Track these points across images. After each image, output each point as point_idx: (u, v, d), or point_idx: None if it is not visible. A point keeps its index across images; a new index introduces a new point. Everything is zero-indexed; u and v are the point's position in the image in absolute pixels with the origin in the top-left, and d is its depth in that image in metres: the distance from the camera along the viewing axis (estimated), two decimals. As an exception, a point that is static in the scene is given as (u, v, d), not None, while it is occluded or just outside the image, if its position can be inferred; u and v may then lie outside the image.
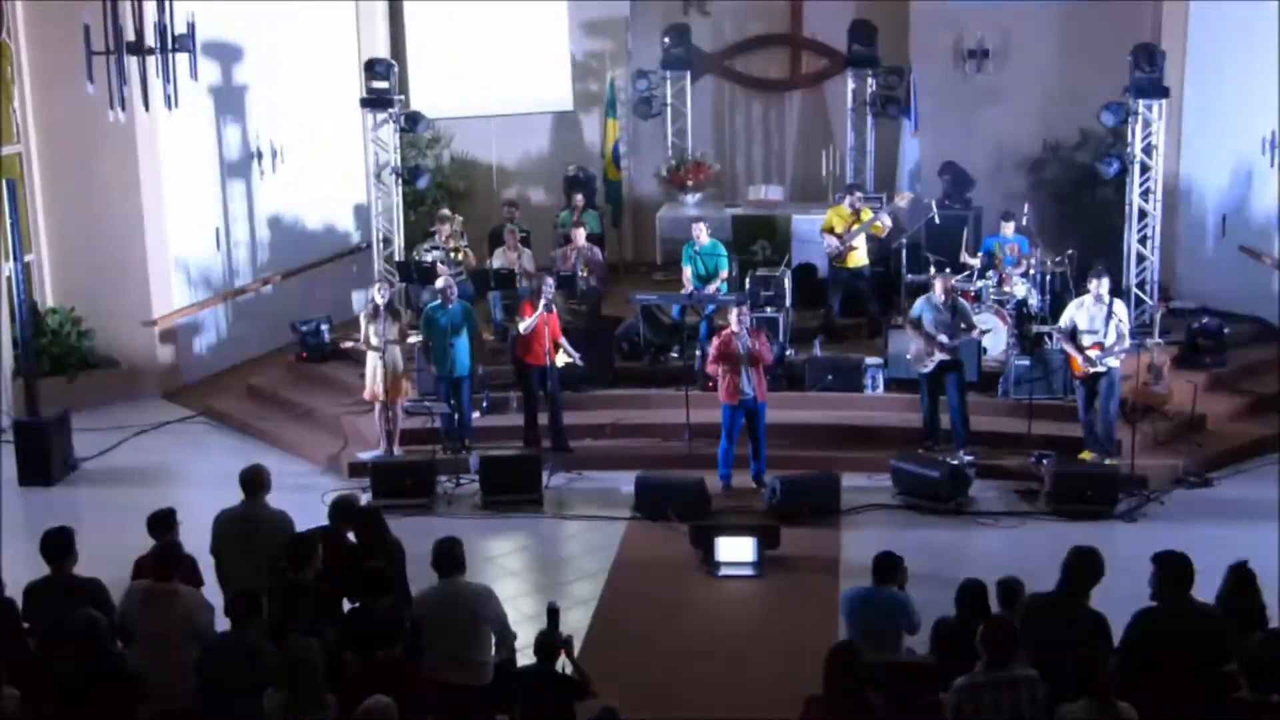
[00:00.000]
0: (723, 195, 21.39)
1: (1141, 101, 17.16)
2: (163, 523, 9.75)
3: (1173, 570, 8.38)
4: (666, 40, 21.20)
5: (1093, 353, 14.65)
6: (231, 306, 19.32)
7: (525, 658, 9.33)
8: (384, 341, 15.28)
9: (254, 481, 10.33)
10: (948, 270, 16.10)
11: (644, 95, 21.27)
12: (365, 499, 12.79)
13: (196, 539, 10.07)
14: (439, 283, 15.92)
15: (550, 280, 15.81)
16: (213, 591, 9.71)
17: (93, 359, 18.04)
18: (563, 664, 8.84)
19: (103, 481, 15.56)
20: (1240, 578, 9.14)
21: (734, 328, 14.44)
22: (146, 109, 15.10)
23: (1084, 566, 8.63)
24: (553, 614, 9.30)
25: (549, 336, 15.31)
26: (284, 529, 10.08)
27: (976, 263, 17.17)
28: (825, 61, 21.60)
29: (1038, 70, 20.53)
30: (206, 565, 10.04)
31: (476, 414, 16.05)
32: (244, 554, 10.04)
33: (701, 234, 17.26)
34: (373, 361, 15.44)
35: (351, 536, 10.28)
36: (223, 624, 8.67)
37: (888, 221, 17.75)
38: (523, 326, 15.43)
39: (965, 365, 15.36)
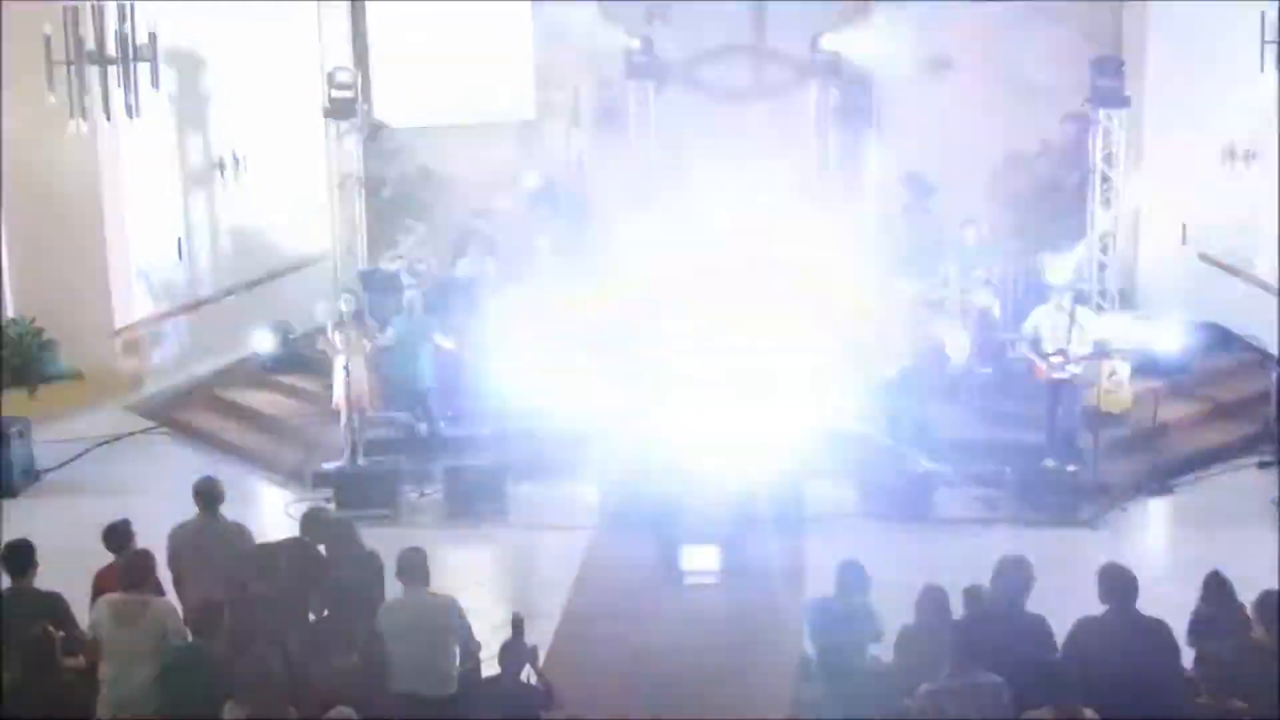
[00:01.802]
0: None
1: (1102, 111, 17.27)
2: (118, 534, 9.67)
3: (1116, 581, 8.44)
4: (630, 50, 21.18)
5: (1056, 360, 14.72)
6: (194, 316, 19.19)
7: (490, 668, 9.31)
8: (350, 351, 15.24)
9: (208, 494, 10.27)
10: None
11: (608, 105, 21.24)
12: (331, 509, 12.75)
13: (158, 551, 9.99)
14: (406, 295, 15.90)
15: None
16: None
17: (54, 370, 17.90)
18: (528, 674, 8.83)
19: (64, 493, 15.46)
20: (1213, 585, 9.18)
21: None
22: (108, 118, 15.03)
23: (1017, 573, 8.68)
24: (517, 624, 9.29)
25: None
26: (241, 541, 10.02)
27: (944, 272, 17.23)
28: (789, 71, 21.63)
29: (1000, 80, 20.60)
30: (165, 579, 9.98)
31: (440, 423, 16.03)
32: (200, 567, 9.97)
33: (662, 243, 17.26)
34: (339, 370, 15.40)
35: (322, 549, 10.24)
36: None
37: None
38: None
39: (929, 373, 15.44)
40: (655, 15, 21.77)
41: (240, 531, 10.16)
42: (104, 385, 18.10)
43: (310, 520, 10.44)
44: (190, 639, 8.69)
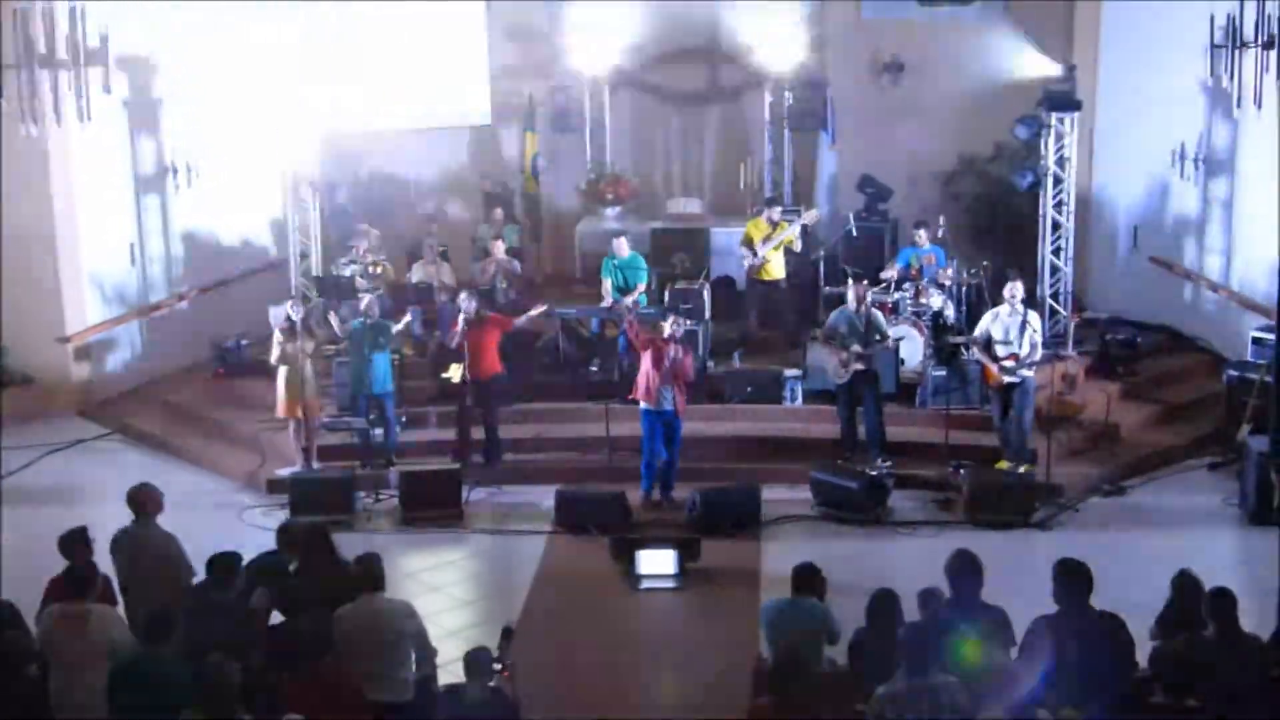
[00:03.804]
0: (642, 208, 21.41)
1: (1054, 115, 17.40)
2: (74, 542, 9.62)
3: (1072, 577, 8.51)
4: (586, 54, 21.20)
5: (1008, 363, 14.81)
6: (147, 323, 19.07)
7: (446, 674, 9.30)
8: (299, 356, 15.19)
9: (141, 501, 10.23)
10: (864, 279, 16.21)
11: (562, 109, 21.25)
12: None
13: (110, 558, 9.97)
14: (363, 300, 15.87)
15: (464, 295, 15.78)
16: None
17: (5, 376, 17.78)
18: (498, 682, 8.80)
19: (16, 500, 15.30)
20: (1181, 585, 9.25)
21: (668, 332, 14.49)
22: (59, 123, 14.94)
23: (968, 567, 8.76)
24: (507, 634, 9.23)
25: (483, 350, 15.30)
26: (167, 550, 9.97)
27: (894, 274, 17.32)
28: (743, 75, 21.69)
29: (953, 84, 20.76)
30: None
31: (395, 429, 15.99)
32: (132, 574, 9.95)
33: (621, 247, 17.30)
34: (283, 377, 15.33)
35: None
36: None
37: (797, 234, 17.80)
38: (450, 343, 15.44)
39: (882, 376, 15.52)
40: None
41: (167, 540, 10.10)
42: (56, 391, 18.00)
43: (285, 533, 10.41)
44: (140, 645, 8.65)
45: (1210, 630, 8.37)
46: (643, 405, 14.59)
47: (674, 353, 14.40)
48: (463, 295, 15.76)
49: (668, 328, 14.54)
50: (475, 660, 8.65)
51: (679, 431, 14.71)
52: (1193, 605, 8.94)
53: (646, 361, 14.49)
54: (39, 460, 16.45)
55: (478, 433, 15.68)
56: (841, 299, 15.90)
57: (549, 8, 21.43)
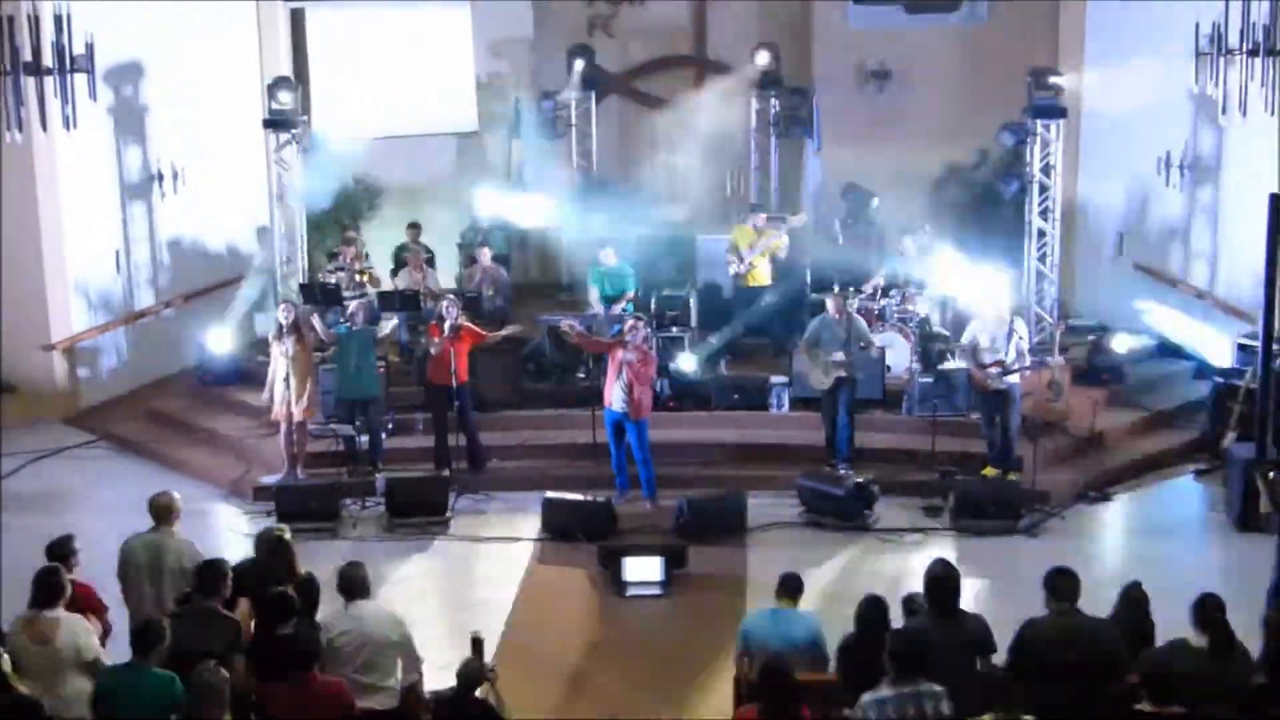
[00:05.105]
0: (628, 216, 21.38)
1: (1039, 122, 17.43)
2: (61, 549, 9.59)
3: (1060, 582, 8.57)
4: (572, 61, 21.21)
5: (993, 369, 14.84)
6: (132, 329, 19.04)
7: (434, 681, 9.28)
8: (288, 362, 15.17)
9: (163, 509, 10.20)
10: (837, 289, 16.25)
11: (549, 116, 21.24)
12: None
13: (99, 565, 9.95)
14: (350, 307, 15.87)
15: (446, 301, 15.77)
16: (119, 617, 9.62)
17: (-10, 384, 17.76)
18: (485, 692, 8.79)
19: (1, 508, 15.28)
20: (1130, 597, 9.27)
21: (626, 336, 14.54)
22: (44, 130, 14.91)
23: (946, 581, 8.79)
24: (477, 644, 9.23)
25: (455, 358, 15.28)
26: (189, 558, 9.96)
27: (880, 281, 17.34)
28: (729, 82, 21.70)
29: (938, 91, 20.79)
30: (113, 591, 9.90)
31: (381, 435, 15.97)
32: (151, 581, 9.92)
33: (609, 255, 17.32)
34: (278, 383, 15.30)
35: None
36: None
37: (785, 241, 17.83)
38: (432, 349, 15.42)
39: (868, 383, 15.55)
40: (597, 27, 21.84)
41: (189, 548, 10.07)
42: (41, 398, 17.96)
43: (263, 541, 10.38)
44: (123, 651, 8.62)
45: (1197, 637, 8.38)
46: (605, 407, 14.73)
47: (622, 355, 14.46)
48: (445, 301, 15.75)
49: (625, 329, 14.61)
50: (467, 669, 8.64)
51: (635, 434, 14.71)
52: (1141, 618, 9.02)
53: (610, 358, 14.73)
54: (24, 468, 16.40)
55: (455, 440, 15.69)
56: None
57: (535, 14, 21.44)
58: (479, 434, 15.77)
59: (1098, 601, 8.81)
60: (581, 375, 17.00)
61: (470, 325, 15.67)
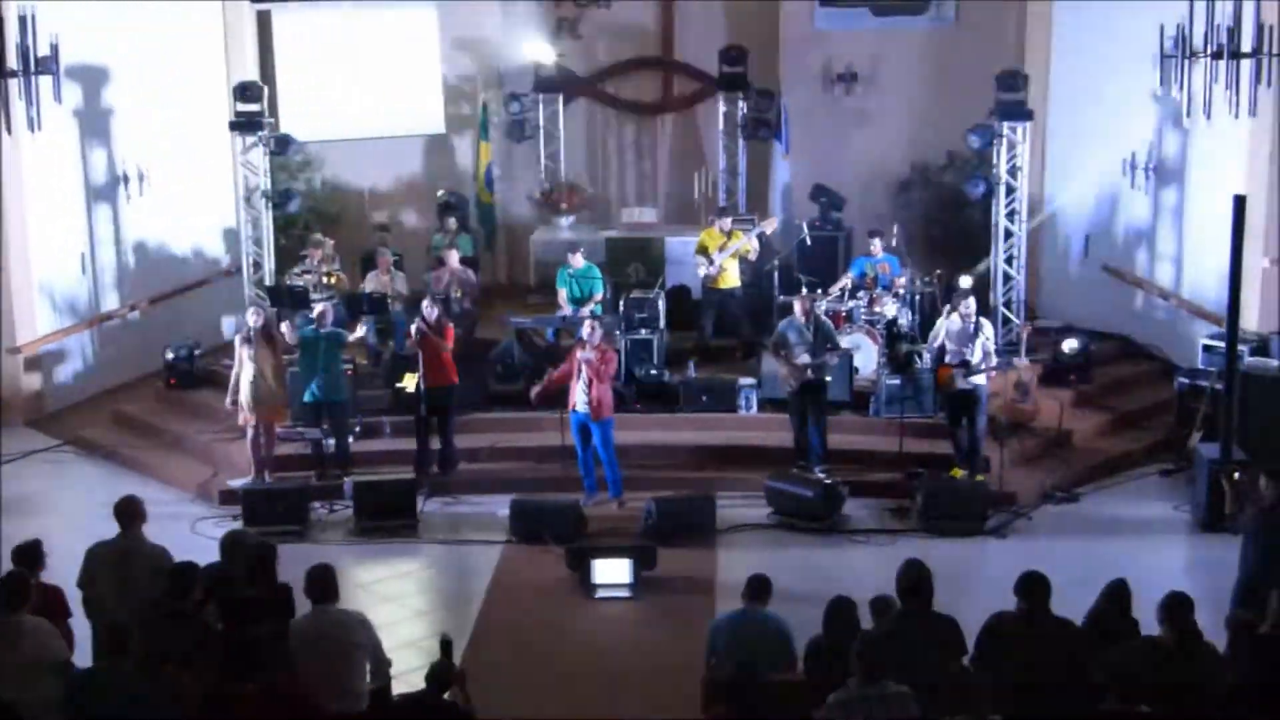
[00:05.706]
0: (596, 218, 21.42)
1: (1006, 124, 17.49)
2: (27, 554, 9.53)
3: (1030, 583, 8.62)
4: (538, 63, 21.20)
5: (958, 369, 14.88)
6: (98, 332, 18.92)
7: (402, 684, 9.26)
8: (256, 365, 15.11)
9: (128, 513, 10.15)
10: (805, 291, 16.28)
11: (516, 118, 21.21)
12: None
13: (65, 570, 9.89)
14: (316, 309, 15.81)
15: (426, 302, 15.74)
16: (81, 623, 9.56)
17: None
18: (454, 694, 8.77)
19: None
20: (1114, 594, 9.30)
21: (584, 336, 14.58)
22: (9, 132, 14.87)
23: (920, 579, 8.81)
24: (446, 645, 9.22)
25: (425, 360, 15.25)
26: (160, 563, 9.90)
27: (848, 283, 17.38)
28: (697, 85, 21.74)
29: (905, 94, 20.84)
30: (74, 597, 9.85)
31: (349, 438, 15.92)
32: (118, 588, 9.84)
33: (577, 258, 17.33)
34: (245, 385, 15.24)
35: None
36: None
37: (755, 244, 17.87)
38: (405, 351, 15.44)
39: (835, 384, 15.58)
40: (565, 29, 21.82)
41: (161, 553, 10.02)
42: (6, 402, 17.83)
43: (232, 543, 10.33)
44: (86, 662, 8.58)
45: (1165, 635, 8.42)
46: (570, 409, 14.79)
47: (580, 355, 14.55)
48: (425, 302, 15.71)
49: (584, 330, 14.70)
50: (436, 671, 8.62)
51: (599, 434, 14.71)
52: (1124, 614, 9.06)
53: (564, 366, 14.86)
54: (-12, 472, 16.31)
55: (434, 442, 15.65)
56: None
57: (502, 16, 21.42)
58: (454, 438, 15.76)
59: (1065, 602, 8.84)
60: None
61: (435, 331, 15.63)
